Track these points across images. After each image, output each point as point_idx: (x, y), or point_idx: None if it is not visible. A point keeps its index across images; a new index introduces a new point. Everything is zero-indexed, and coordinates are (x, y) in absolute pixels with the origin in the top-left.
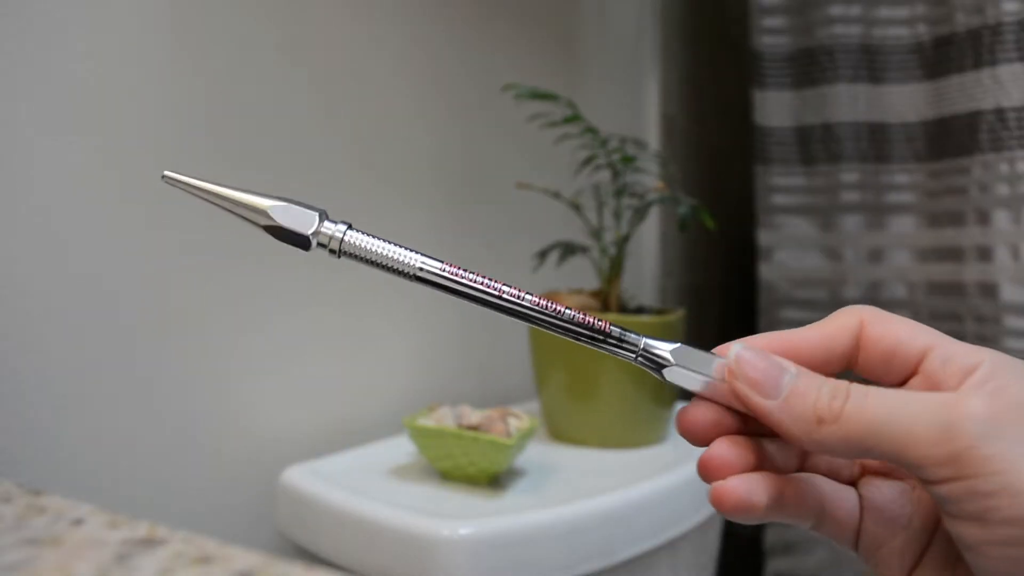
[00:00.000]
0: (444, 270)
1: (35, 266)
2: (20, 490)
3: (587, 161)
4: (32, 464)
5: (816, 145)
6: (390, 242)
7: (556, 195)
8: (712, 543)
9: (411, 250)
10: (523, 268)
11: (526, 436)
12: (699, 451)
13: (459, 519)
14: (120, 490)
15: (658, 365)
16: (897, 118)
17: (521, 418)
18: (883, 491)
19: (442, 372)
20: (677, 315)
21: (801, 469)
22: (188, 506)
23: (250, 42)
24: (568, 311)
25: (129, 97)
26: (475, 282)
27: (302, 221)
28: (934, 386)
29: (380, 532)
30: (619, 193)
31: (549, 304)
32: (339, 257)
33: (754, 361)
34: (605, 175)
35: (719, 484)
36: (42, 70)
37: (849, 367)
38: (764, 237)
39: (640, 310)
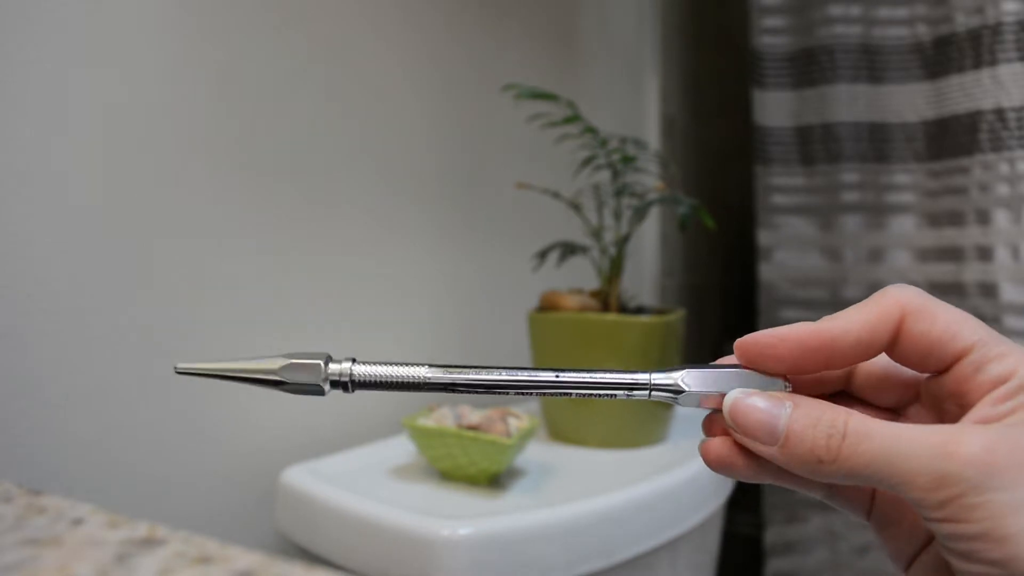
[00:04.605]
0: (445, 377)
1: (34, 266)
2: (20, 490)
3: (587, 161)
4: (32, 464)
5: (816, 145)
6: (393, 364)
7: (556, 195)
8: (712, 543)
9: (414, 365)
10: (523, 268)
11: (526, 436)
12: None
13: (459, 519)
14: (120, 490)
15: (673, 393)
16: (897, 118)
17: (521, 418)
18: None
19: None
20: (677, 315)
21: None
22: (188, 506)
23: (250, 40)
24: (572, 376)
25: (127, 97)
26: (478, 379)
27: (310, 374)
28: (961, 388)
29: (380, 532)
30: (619, 193)
31: (553, 377)
32: (352, 391)
33: (748, 412)
34: (605, 175)
35: (706, 441)
36: (43, 73)
37: (887, 353)
38: (764, 237)
39: (640, 310)
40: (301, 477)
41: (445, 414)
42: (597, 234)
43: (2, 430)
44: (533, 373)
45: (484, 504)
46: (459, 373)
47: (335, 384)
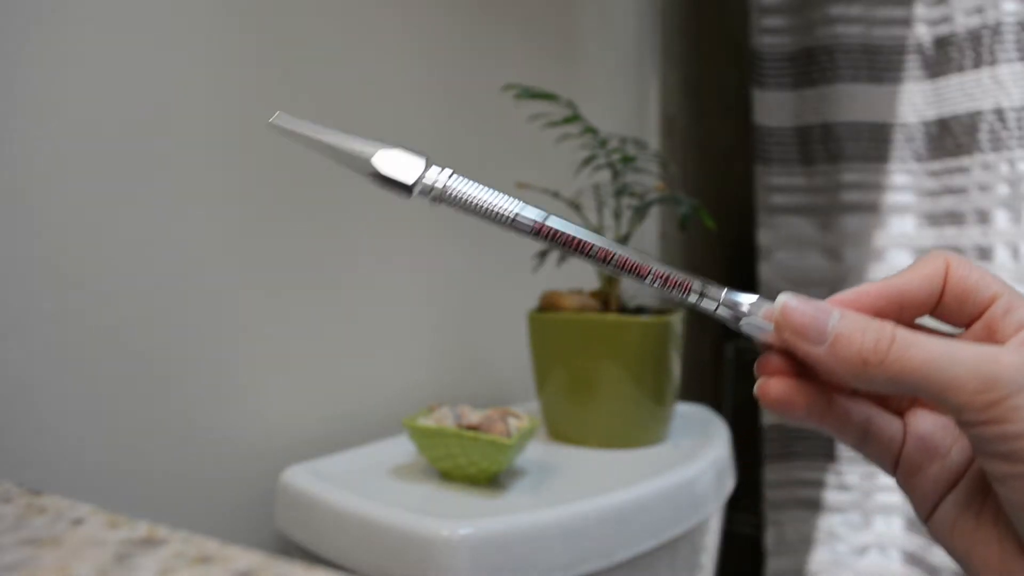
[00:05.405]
0: (537, 219)
1: (33, 265)
2: (20, 490)
3: (587, 161)
4: (32, 464)
5: (816, 145)
6: (491, 190)
7: (556, 195)
8: (712, 543)
9: (511, 199)
10: (523, 268)
11: (526, 436)
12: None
13: (459, 519)
14: (120, 490)
15: (736, 316)
16: (897, 118)
17: (521, 418)
18: (927, 422)
19: (442, 372)
20: (677, 315)
21: (853, 392)
22: (188, 506)
23: (248, 39)
24: (656, 266)
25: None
26: (567, 234)
27: (406, 169)
28: (991, 332)
29: (380, 532)
30: (619, 193)
31: (634, 260)
32: (437, 204)
33: (800, 309)
34: (605, 175)
35: (763, 380)
36: (44, 71)
37: (931, 314)
38: (764, 237)
39: (640, 310)
40: (301, 477)
41: (445, 414)
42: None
43: (2, 430)
44: (621, 248)
45: (484, 504)
46: (551, 221)
47: (425, 192)
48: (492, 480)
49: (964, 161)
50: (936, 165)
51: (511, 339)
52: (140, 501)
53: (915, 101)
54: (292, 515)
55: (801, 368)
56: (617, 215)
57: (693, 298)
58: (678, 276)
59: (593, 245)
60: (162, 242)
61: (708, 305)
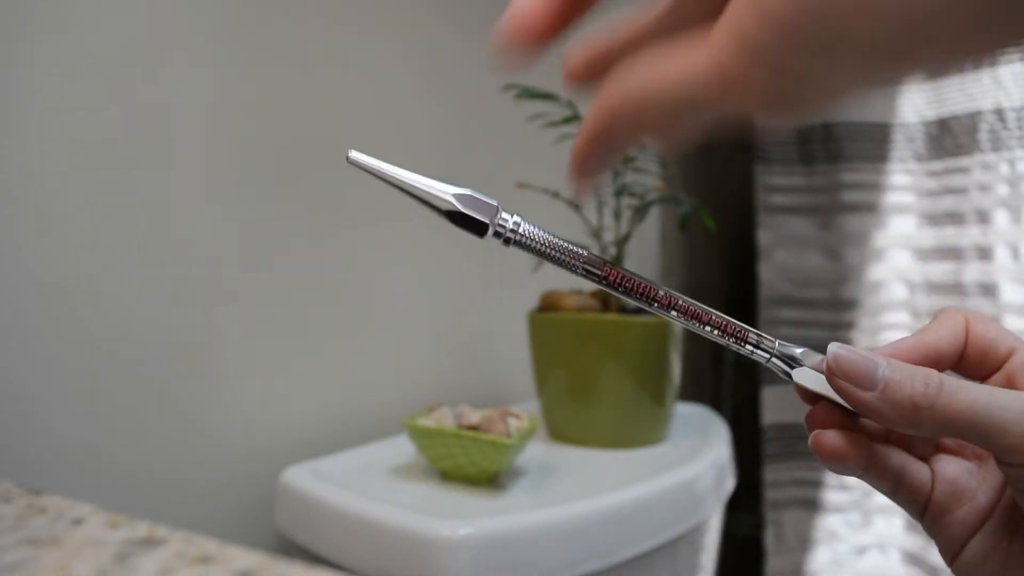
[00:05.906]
0: (603, 267)
1: (34, 265)
2: (20, 490)
3: None
4: (32, 464)
5: (816, 145)
6: (557, 236)
7: (556, 195)
8: (711, 543)
9: (576, 246)
10: (523, 268)
11: (526, 436)
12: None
13: (459, 519)
14: (120, 490)
15: (789, 366)
16: (897, 118)
17: (521, 418)
18: (953, 466)
19: (442, 372)
20: None
21: (885, 441)
22: (188, 506)
23: (247, 41)
24: (715, 315)
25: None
26: (632, 283)
27: (484, 210)
28: (1012, 383)
29: (380, 532)
30: (619, 193)
31: (696, 308)
32: (509, 245)
33: (850, 357)
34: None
35: (818, 433)
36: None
37: (953, 369)
38: (764, 237)
39: (640, 310)
40: (301, 477)
41: (445, 414)
42: (597, 234)
43: (2, 430)
44: (684, 298)
45: (484, 504)
46: (614, 268)
47: (498, 233)
48: (492, 480)
49: (964, 161)
50: (936, 165)
51: (511, 339)
52: (140, 501)
53: (915, 101)
54: (292, 515)
55: (844, 420)
56: (617, 215)
57: (748, 348)
58: (735, 326)
59: (658, 291)
60: (162, 243)
61: (761, 356)
